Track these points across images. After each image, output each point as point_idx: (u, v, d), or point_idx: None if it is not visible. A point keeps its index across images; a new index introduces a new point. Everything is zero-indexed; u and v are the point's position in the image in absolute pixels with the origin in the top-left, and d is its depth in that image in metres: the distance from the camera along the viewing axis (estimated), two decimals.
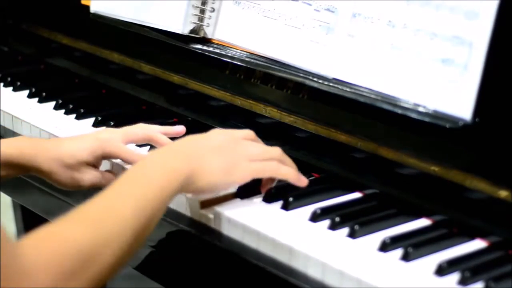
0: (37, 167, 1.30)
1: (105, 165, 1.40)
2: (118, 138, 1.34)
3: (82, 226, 1.02)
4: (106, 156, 1.34)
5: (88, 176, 1.32)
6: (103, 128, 1.50)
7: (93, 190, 1.39)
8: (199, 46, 1.53)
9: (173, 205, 1.28)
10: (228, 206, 1.24)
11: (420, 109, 1.22)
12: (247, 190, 1.27)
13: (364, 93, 1.28)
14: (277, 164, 1.23)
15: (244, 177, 1.21)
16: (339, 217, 1.20)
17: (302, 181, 1.24)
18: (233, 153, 1.20)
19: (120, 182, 1.11)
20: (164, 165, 1.14)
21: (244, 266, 1.18)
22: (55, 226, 1.01)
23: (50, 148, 1.31)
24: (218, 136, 1.23)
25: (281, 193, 1.27)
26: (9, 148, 1.30)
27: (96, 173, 1.33)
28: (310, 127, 1.38)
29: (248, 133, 1.26)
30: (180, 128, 1.42)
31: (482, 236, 1.17)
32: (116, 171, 1.38)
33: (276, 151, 1.24)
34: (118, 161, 1.38)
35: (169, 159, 1.16)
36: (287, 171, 1.23)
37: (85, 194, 1.37)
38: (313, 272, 1.11)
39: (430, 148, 1.23)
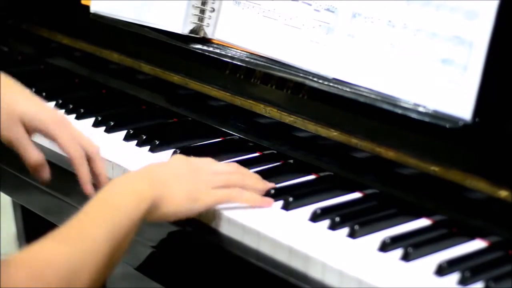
0: None
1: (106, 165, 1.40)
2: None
3: (60, 247, 1.06)
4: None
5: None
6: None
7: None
8: (199, 46, 1.53)
9: None
10: (228, 206, 1.24)
11: (420, 109, 1.22)
12: None
13: (364, 93, 1.28)
14: (239, 191, 1.24)
15: (208, 204, 1.22)
16: (339, 217, 1.20)
17: (265, 202, 1.25)
18: (195, 181, 1.22)
19: (92, 206, 1.13)
20: (132, 189, 1.16)
21: (243, 266, 1.18)
22: (36, 247, 1.05)
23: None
24: (180, 163, 1.25)
25: (281, 193, 1.27)
26: None
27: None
28: (310, 127, 1.38)
29: (208, 160, 1.28)
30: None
31: (482, 236, 1.17)
32: (116, 172, 1.39)
33: (237, 177, 1.26)
34: (118, 162, 1.39)
35: (137, 183, 1.18)
36: (248, 197, 1.24)
37: (84, 195, 1.37)
38: (313, 272, 1.11)
39: (430, 148, 1.23)
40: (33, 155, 1.28)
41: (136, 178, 1.20)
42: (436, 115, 1.20)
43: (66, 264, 1.04)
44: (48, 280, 1.01)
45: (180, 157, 1.30)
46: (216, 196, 1.22)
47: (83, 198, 1.42)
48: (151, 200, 1.16)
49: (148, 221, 1.18)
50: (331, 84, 1.33)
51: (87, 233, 1.09)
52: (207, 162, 1.28)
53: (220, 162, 1.31)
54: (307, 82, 1.36)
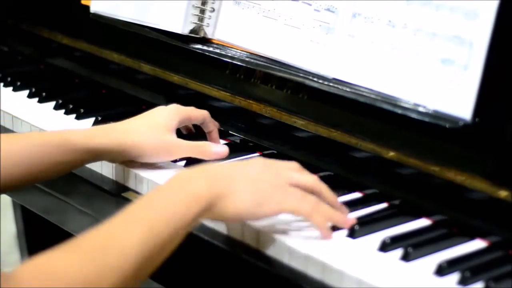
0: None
1: (108, 166, 1.40)
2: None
3: (76, 258, 0.97)
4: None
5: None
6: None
7: (93, 192, 1.40)
8: (199, 46, 1.53)
9: None
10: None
11: (420, 109, 1.22)
12: None
13: (364, 93, 1.28)
14: (313, 211, 1.12)
15: (274, 212, 1.12)
16: None
17: (328, 234, 1.14)
18: (268, 184, 1.12)
19: (131, 207, 1.04)
20: (183, 189, 1.08)
21: (243, 266, 1.18)
22: (49, 256, 0.96)
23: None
24: (259, 165, 1.15)
25: None
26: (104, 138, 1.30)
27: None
28: (310, 127, 1.38)
29: (293, 165, 1.18)
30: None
31: (482, 236, 1.17)
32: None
33: (312, 200, 1.13)
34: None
35: (192, 182, 1.09)
36: (319, 221, 1.13)
37: (84, 195, 1.37)
38: (313, 272, 1.11)
39: (430, 148, 1.23)
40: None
41: (194, 175, 1.10)
42: (436, 115, 1.20)
43: (84, 277, 0.94)
44: None
45: (260, 158, 1.21)
46: (282, 207, 1.12)
47: (83, 198, 1.43)
48: (207, 200, 1.07)
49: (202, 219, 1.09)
50: (331, 84, 1.33)
51: (118, 241, 0.98)
52: (288, 167, 1.17)
53: (302, 171, 1.18)
54: (307, 82, 1.36)
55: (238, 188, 1.10)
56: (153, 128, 1.31)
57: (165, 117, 1.34)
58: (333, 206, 1.16)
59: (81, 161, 1.31)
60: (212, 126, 1.43)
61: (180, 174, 1.12)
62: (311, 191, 1.15)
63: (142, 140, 1.30)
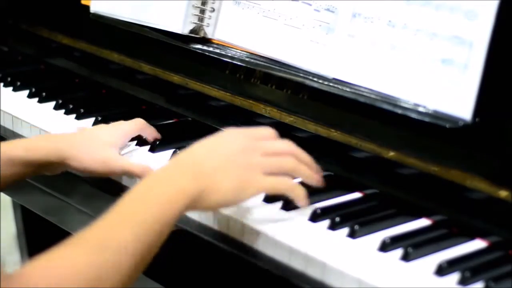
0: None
1: None
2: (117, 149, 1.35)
3: (84, 252, 0.99)
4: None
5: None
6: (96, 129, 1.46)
7: (93, 192, 1.40)
8: (199, 46, 1.53)
9: None
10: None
11: (420, 109, 1.22)
12: None
13: (364, 93, 1.28)
14: (290, 185, 1.17)
15: (257, 193, 1.16)
16: (339, 217, 1.20)
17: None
18: (245, 165, 1.13)
19: (121, 204, 1.06)
20: (170, 184, 1.09)
21: (243, 265, 1.18)
22: (58, 252, 0.98)
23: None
24: (232, 140, 1.17)
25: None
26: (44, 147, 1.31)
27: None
28: (310, 127, 1.38)
29: (266, 131, 1.20)
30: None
31: (482, 236, 1.17)
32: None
33: (291, 161, 1.17)
34: None
35: (177, 177, 1.11)
36: (299, 193, 1.17)
37: (84, 195, 1.37)
38: (312, 272, 1.11)
39: (430, 148, 1.23)
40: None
41: (177, 170, 1.12)
42: (436, 115, 1.20)
43: (89, 274, 0.97)
44: None
45: (233, 132, 1.19)
46: (266, 186, 1.15)
47: (83, 198, 1.43)
48: (193, 194, 1.09)
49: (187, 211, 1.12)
50: (331, 84, 1.33)
51: (113, 237, 1.01)
52: (262, 136, 1.18)
53: (275, 137, 1.20)
54: (307, 82, 1.36)
55: (219, 179, 1.12)
56: (94, 142, 1.33)
57: (109, 133, 1.36)
58: (309, 166, 1.20)
59: (23, 173, 1.32)
60: (150, 129, 1.45)
61: (166, 168, 1.13)
62: (288, 155, 1.18)
63: (81, 152, 1.32)
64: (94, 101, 1.71)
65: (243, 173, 1.13)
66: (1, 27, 1.97)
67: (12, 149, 1.30)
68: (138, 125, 1.43)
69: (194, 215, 1.26)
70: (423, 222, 1.22)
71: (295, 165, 1.18)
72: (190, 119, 1.58)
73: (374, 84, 1.28)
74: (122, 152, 1.41)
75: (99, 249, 1.00)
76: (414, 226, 1.21)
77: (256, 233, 1.18)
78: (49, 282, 0.94)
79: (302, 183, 1.20)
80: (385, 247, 1.13)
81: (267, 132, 1.20)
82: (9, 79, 1.80)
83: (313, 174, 1.20)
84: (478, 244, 1.17)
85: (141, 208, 1.06)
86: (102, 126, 1.41)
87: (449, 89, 1.19)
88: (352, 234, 1.17)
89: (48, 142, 1.32)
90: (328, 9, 1.35)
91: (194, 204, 1.10)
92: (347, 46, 1.32)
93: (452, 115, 1.19)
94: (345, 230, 1.18)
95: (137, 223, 1.03)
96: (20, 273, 0.95)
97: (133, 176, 1.33)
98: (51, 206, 1.55)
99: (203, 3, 1.52)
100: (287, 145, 1.20)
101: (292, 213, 1.24)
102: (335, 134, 1.34)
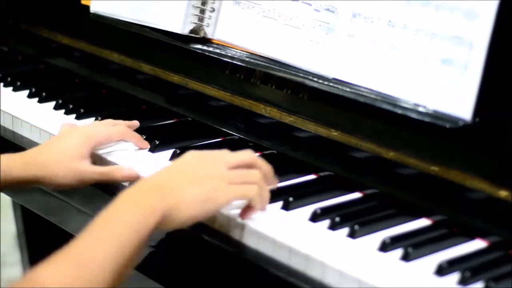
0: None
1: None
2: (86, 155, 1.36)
3: (63, 270, 1.02)
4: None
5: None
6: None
7: (93, 192, 1.40)
8: (199, 46, 1.53)
9: None
10: (228, 206, 1.24)
11: (420, 109, 1.22)
12: None
13: (364, 93, 1.28)
14: (256, 192, 1.18)
15: (223, 204, 1.17)
16: (339, 217, 1.20)
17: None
18: (209, 178, 1.16)
19: (97, 225, 1.09)
20: (139, 202, 1.12)
21: (243, 265, 1.18)
22: (39, 271, 1.02)
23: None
24: (192, 158, 1.20)
25: (281, 193, 1.27)
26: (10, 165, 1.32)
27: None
28: (310, 127, 1.38)
29: (222, 151, 1.22)
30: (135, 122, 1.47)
31: (482, 236, 1.17)
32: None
33: (253, 173, 1.19)
34: (121, 163, 1.39)
35: (144, 195, 1.13)
36: (266, 198, 1.20)
37: (84, 195, 1.37)
38: (312, 272, 1.11)
39: (430, 148, 1.23)
40: None
41: (144, 190, 1.14)
42: (436, 115, 1.20)
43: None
44: None
45: (193, 153, 1.21)
46: (232, 195, 1.16)
47: (83, 198, 1.43)
48: (162, 212, 1.11)
49: (161, 230, 1.14)
50: (331, 84, 1.33)
51: (92, 255, 1.04)
52: (222, 153, 1.21)
53: (235, 153, 1.23)
54: (307, 82, 1.36)
55: (186, 194, 1.14)
56: (67, 157, 1.34)
57: (77, 145, 1.36)
58: (269, 176, 1.22)
59: None
60: (134, 138, 1.45)
61: (132, 189, 1.15)
62: (249, 166, 1.20)
63: (55, 170, 1.33)
64: (94, 101, 1.71)
65: (208, 183, 1.15)
66: (1, 27, 1.97)
67: None
68: (118, 134, 1.43)
69: None
70: (423, 222, 1.22)
71: (258, 177, 1.19)
72: (190, 119, 1.58)
73: (374, 84, 1.28)
74: (122, 152, 1.41)
75: (80, 264, 1.03)
76: (414, 226, 1.21)
77: (256, 233, 1.18)
78: None
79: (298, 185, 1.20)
80: (385, 247, 1.13)
81: (225, 150, 1.22)
82: (9, 79, 1.80)
83: (267, 199, 1.21)
84: (478, 244, 1.17)
85: (113, 228, 1.09)
86: (72, 133, 1.40)
87: (449, 89, 1.19)
88: (352, 234, 1.17)
89: (20, 165, 1.34)
90: (328, 9, 1.35)
91: (165, 221, 1.12)
92: (347, 46, 1.32)
93: (452, 115, 1.19)
94: (345, 230, 1.18)
95: (110, 243, 1.06)
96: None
97: (113, 179, 1.34)
98: (51, 206, 1.55)
99: (203, 3, 1.52)
100: (248, 155, 1.22)
101: (292, 213, 1.24)
102: (335, 134, 1.34)
